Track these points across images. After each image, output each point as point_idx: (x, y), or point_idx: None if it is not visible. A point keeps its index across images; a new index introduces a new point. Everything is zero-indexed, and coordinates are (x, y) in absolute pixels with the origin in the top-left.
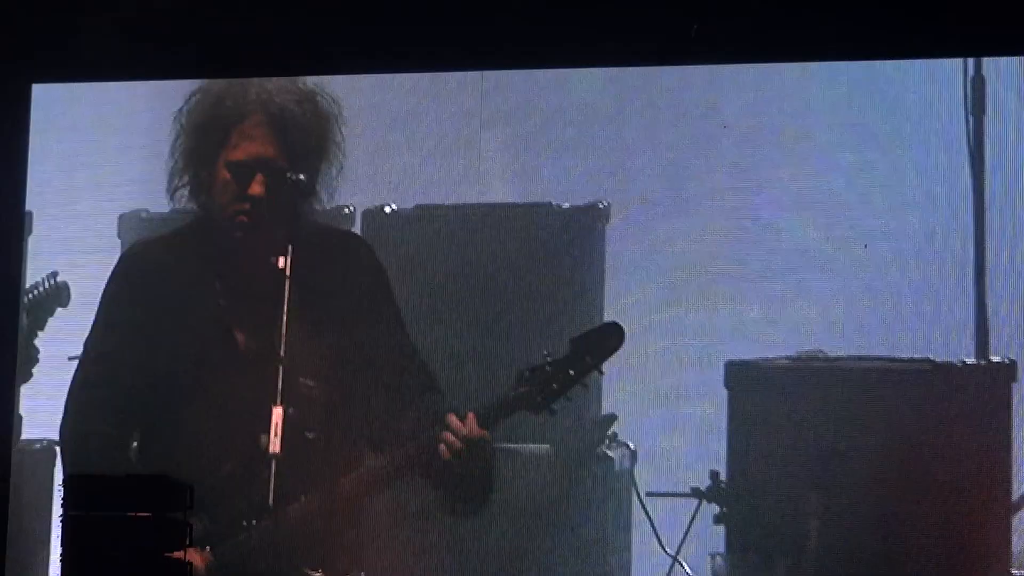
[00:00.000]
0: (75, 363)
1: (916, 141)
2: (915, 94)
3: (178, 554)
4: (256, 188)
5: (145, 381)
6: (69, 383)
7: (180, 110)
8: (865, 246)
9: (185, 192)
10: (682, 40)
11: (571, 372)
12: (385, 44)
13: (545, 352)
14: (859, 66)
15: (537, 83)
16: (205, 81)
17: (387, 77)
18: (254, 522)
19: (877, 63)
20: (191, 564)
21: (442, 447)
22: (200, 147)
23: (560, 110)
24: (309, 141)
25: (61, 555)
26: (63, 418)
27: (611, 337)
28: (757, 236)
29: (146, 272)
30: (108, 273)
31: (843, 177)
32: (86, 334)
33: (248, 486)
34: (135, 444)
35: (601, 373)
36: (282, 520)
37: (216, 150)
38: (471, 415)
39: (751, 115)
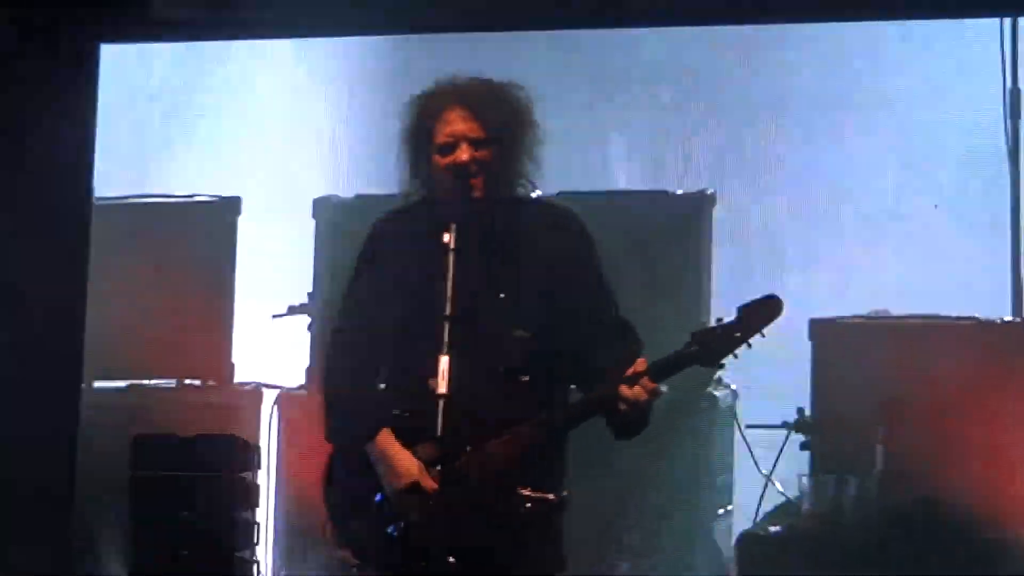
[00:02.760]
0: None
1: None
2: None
3: (414, 478)
4: (462, 155)
5: (385, 326)
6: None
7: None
8: (935, 206)
9: (415, 199)
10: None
11: (737, 335)
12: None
13: (717, 318)
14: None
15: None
16: (410, 98)
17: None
18: (470, 448)
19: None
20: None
21: (622, 388)
22: (416, 155)
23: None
24: (503, 117)
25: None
26: (325, 363)
27: (772, 307)
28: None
29: (384, 239)
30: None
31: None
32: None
33: (468, 416)
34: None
35: (763, 336)
36: (498, 445)
37: (427, 151)
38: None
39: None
